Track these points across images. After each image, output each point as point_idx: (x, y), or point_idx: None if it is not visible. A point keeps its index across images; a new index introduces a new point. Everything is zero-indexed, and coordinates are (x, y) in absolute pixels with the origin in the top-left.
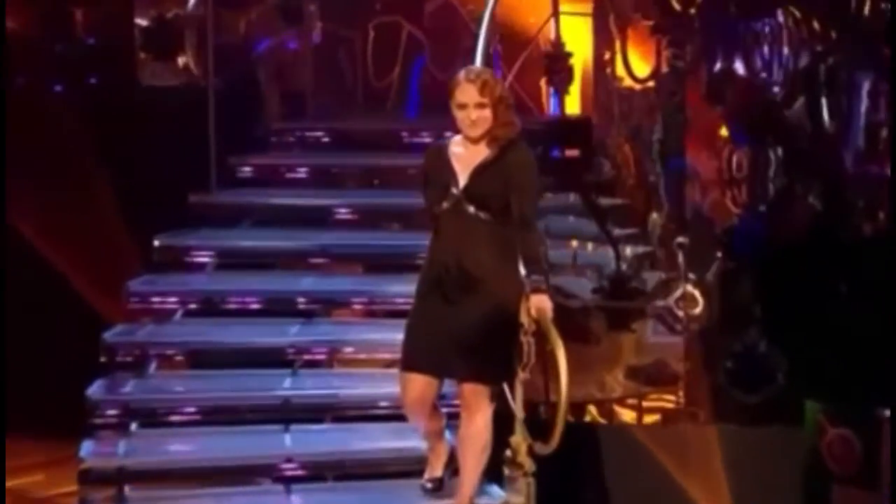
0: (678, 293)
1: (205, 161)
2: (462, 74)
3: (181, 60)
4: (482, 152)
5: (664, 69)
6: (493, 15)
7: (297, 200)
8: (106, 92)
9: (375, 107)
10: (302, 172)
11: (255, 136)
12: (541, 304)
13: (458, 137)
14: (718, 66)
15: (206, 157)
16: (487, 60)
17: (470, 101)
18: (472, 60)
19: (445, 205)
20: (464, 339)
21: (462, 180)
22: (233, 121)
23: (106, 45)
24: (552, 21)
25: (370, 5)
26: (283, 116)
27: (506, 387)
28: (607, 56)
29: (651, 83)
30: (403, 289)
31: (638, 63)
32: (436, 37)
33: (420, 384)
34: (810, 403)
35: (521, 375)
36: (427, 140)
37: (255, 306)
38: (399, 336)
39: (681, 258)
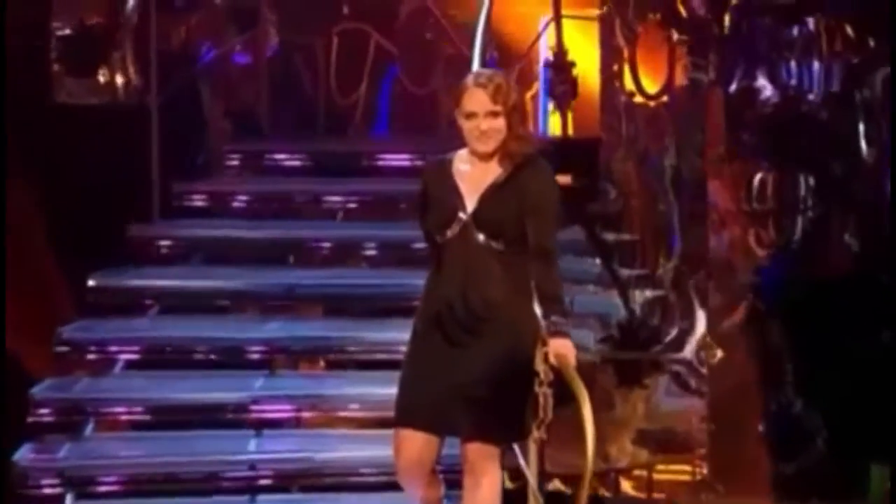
0: (696, 344)
1: (145, 188)
2: (470, 78)
3: (107, 74)
4: (493, 170)
5: (680, 83)
6: (488, 19)
7: (255, 233)
8: (23, 110)
9: (340, 126)
10: (258, 201)
11: (201, 160)
12: (562, 349)
13: (463, 152)
14: (744, 80)
15: (146, 183)
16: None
17: (480, 110)
18: (454, 71)
19: (449, 232)
20: (469, 390)
21: (470, 203)
22: (176, 142)
23: (18, 56)
24: (553, 25)
25: (333, 10)
26: (234, 137)
27: (517, 448)
28: (615, 67)
29: (664, 99)
30: (382, 336)
31: (649, 76)
32: (410, 46)
33: (418, 443)
34: (877, 469)
35: (536, 434)
36: (399, 163)
37: (208, 356)
38: (382, 390)
39: (697, 303)
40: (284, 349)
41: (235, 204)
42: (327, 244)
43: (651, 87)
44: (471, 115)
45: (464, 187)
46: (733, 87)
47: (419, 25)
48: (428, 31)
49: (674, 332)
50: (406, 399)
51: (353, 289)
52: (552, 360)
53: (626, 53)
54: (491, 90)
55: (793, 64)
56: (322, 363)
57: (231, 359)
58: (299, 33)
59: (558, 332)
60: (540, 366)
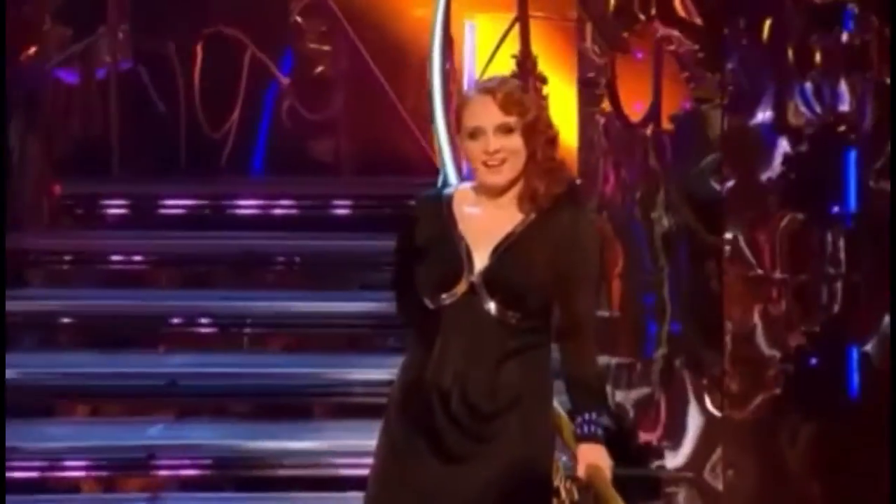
0: (700, 457)
1: None
2: (474, 86)
3: None
4: (511, 215)
5: (678, 108)
6: (447, 21)
7: (113, 303)
8: None
9: (206, 162)
10: (116, 260)
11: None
12: (596, 459)
13: (466, 188)
14: (766, 104)
15: None
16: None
17: (487, 123)
18: (363, 91)
19: (448, 298)
20: None
21: (480, 260)
22: None
23: None
24: (517, 27)
25: (197, 10)
26: (64, 177)
27: None
28: (598, 88)
29: (652, 127)
30: (298, 445)
31: (638, 98)
32: (304, 59)
33: None
34: None
35: None
36: (283, 212)
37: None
38: None
39: (699, 402)
40: (171, 465)
41: (86, 265)
42: (205, 319)
43: (637, 112)
44: (475, 133)
45: (470, 236)
46: (753, 113)
47: (314, 30)
48: (326, 36)
49: (668, 441)
50: None
51: (236, 379)
52: (581, 473)
53: (607, 69)
54: (501, 97)
55: (834, 83)
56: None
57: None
58: (152, 42)
59: (591, 437)
60: (559, 480)
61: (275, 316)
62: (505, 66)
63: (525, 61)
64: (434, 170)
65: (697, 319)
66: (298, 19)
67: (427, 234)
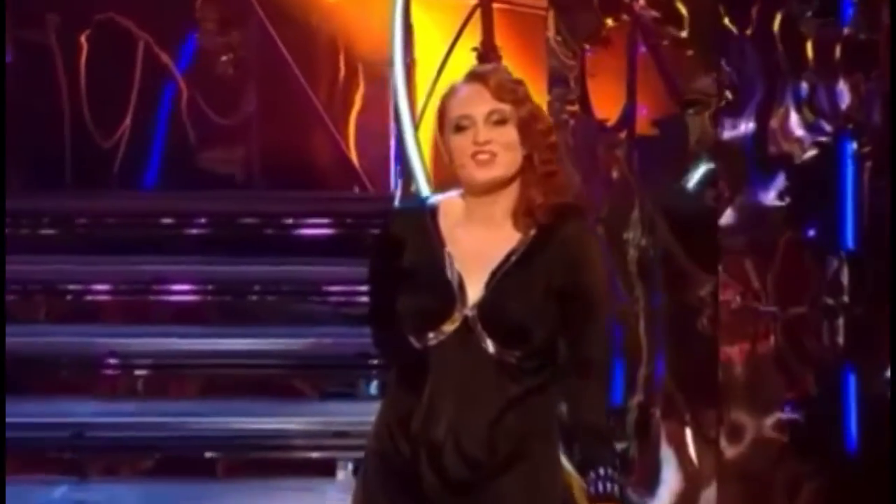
0: None
1: None
2: (460, 78)
3: None
4: (508, 234)
5: (665, 112)
6: (406, 6)
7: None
8: None
9: (94, 174)
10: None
11: None
12: None
13: (451, 197)
14: (768, 108)
15: None
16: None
17: (477, 111)
18: (281, 91)
19: (436, 336)
20: None
21: (474, 289)
22: None
23: None
24: (479, 16)
25: None
26: None
27: None
28: (567, 86)
29: (622, 134)
30: None
31: (614, 100)
32: (208, 53)
33: None
34: None
35: None
36: (187, 232)
37: None
38: None
39: (681, 460)
40: None
41: None
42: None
43: (612, 115)
44: (462, 123)
45: (461, 261)
46: (748, 120)
47: (221, 19)
48: (235, 27)
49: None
50: None
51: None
52: None
53: (578, 65)
54: (494, 83)
55: (847, 84)
56: None
57: None
58: (33, 28)
59: (608, 497)
60: None
61: (178, 355)
62: (465, 60)
63: (487, 55)
64: (356, 180)
65: (682, 361)
66: (202, 6)
67: (409, 255)
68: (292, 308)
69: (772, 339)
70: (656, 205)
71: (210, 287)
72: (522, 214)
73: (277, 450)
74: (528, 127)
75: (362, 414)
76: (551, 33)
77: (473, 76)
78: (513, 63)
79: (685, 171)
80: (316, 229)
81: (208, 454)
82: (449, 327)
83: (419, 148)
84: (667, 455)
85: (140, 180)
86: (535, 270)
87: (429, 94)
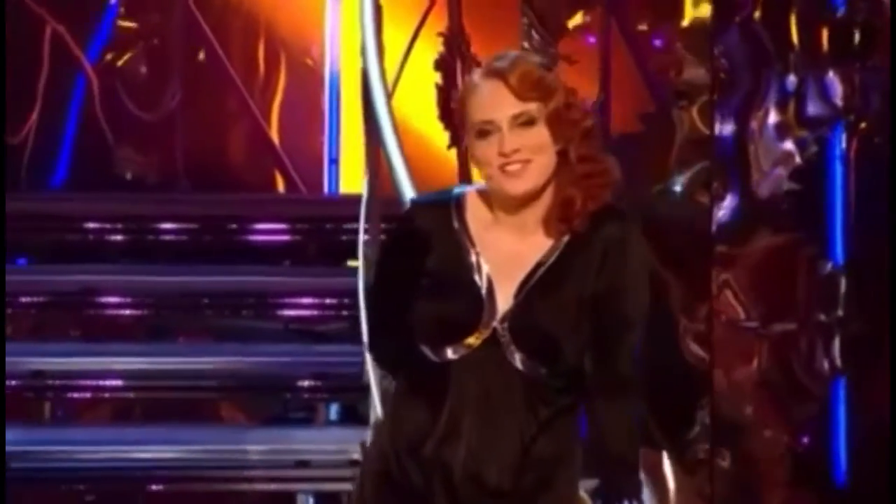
0: None
1: None
2: (480, 69)
3: None
4: (540, 239)
5: (642, 107)
6: None
7: None
8: None
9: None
10: None
11: None
12: None
13: (481, 190)
14: (763, 104)
15: None
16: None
17: (500, 116)
18: (210, 81)
19: (456, 351)
20: None
21: (504, 299)
22: None
23: None
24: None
25: None
26: None
27: None
28: None
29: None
30: None
31: (589, 90)
32: (124, 40)
33: None
34: None
35: None
36: (105, 239)
37: None
38: None
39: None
40: None
41: None
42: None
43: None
44: (485, 129)
45: (492, 266)
46: (751, 112)
47: (145, 2)
48: (156, 9)
49: None
50: None
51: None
52: None
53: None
54: (516, 80)
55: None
56: None
57: None
58: None
59: None
60: None
61: (112, 375)
62: (430, 48)
63: (455, 40)
64: (288, 180)
65: (667, 386)
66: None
67: (433, 256)
68: (240, 323)
69: (756, 359)
70: (640, 209)
71: (145, 300)
72: (557, 219)
73: (230, 482)
74: (559, 120)
75: (323, 441)
76: (524, 18)
77: (492, 72)
78: (483, 48)
79: (670, 172)
80: (264, 235)
81: (153, 487)
82: (474, 340)
83: (398, 143)
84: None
85: (49, 180)
86: (569, 279)
87: (393, 84)
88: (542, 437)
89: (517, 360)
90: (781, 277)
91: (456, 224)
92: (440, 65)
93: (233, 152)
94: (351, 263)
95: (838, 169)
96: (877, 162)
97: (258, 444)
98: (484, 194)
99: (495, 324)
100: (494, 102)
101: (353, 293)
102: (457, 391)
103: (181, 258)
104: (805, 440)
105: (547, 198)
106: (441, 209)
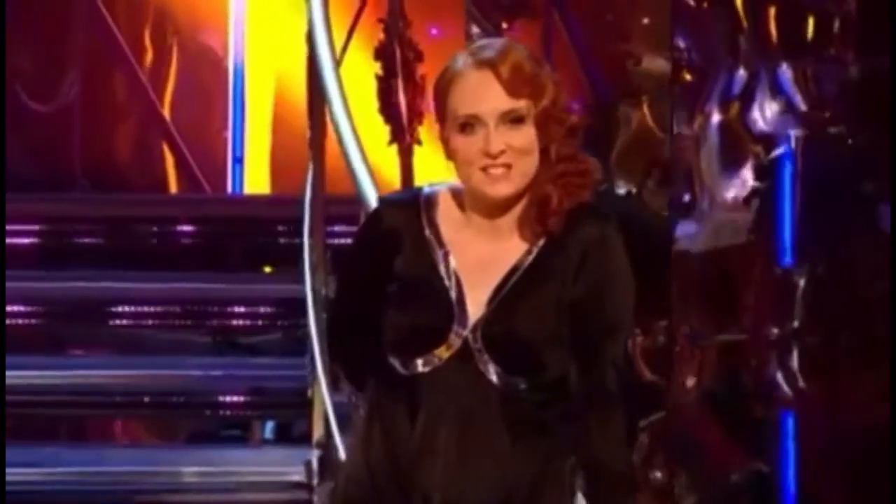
0: None
1: None
2: (465, 55)
3: None
4: (515, 242)
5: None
6: None
7: None
8: None
9: None
10: None
11: None
12: None
13: (452, 189)
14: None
15: None
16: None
17: (488, 111)
18: (107, 70)
19: (427, 363)
20: None
21: (475, 306)
22: None
23: None
24: None
25: None
26: None
27: None
28: None
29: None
30: None
31: None
32: (19, 28)
33: None
34: None
35: None
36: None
37: None
38: None
39: None
40: None
41: None
42: None
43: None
44: (469, 124)
45: (464, 271)
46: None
47: None
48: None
49: None
50: None
51: None
52: None
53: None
54: (507, 72)
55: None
56: None
57: None
58: None
59: None
60: None
61: (19, 391)
62: (369, 35)
63: (395, 27)
64: (191, 179)
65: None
66: None
67: (399, 259)
68: (162, 335)
69: (701, 374)
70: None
71: (54, 308)
72: (533, 220)
73: None
74: (548, 119)
75: (258, 463)
76: (468, 3)
77: (482, 62)
78: (424, 38)
79: (611, 171)
80: (182, 238)
81: None
82: (444, 351)
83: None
84: None
85: None
86: (547, 284)
87: None
88: (525, 455)
89: (492, 372)
90: (729, 285)
91: (425, 225)
92: (380, 53)
93: (134, 149)
94: (268, 269)
95: (787, 168)
96: (834, 159)
97: (191, 465)
98: (456, 193)
99: (466, 333)
100: (483, 96)
101: (282, 302)
102: (429, 408)
103: (83, 263)
104: (754, 464)
105: (524, 200)
106: (410, 209)
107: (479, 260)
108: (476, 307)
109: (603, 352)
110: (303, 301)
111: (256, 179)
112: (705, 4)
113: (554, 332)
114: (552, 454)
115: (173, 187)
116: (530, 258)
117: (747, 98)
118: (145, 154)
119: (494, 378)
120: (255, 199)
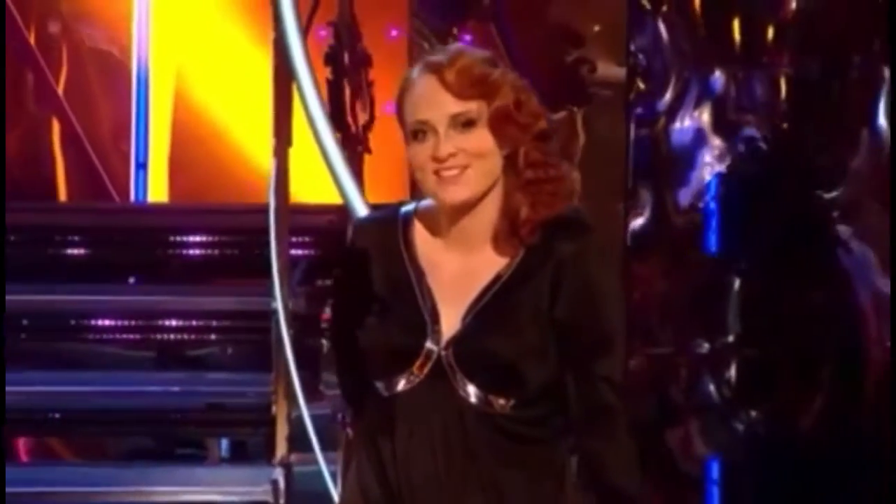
0: None
1: None
2: (419, 63)
3: None
4: (490, 256)
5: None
6: None
7: None
8: None
9: None
10: None
11: None
12: None
13: (424, 211)
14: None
15: None
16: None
17: (435, 116)
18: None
19: (404, 381)
20: None
21: (449, 323)
22: None
23: None
24: None
25: None
26: None
27: None
28: None
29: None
30: None
31: None
32: None
33: None
34: None
35: None
36: None
37: None
38: None
39: None
40: None
41: None
42: None
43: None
44: (421, 131)
45: (439, 288)
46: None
47: None
48: None
49: None
50: None
51: None
52: None
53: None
54: (454, 75)
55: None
56: None
57: None
58: None
59: None
60: None
61: None
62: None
63: (343, 32)
64: (99, 187)
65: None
66: None
67: (378, 279)
68: (111, 349)
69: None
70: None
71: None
72: (506, 233)
73: None
74: (505, 121)
75: (216, 482)
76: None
77: (428, 66)
78: (375, 43)
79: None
80: (99, 248)
81: None
82: (418, 370)
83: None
84: None
85: None
86: (524, 300)
87: None
88: (512, 478)
89: (469, 392)
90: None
91: (402, 243)
92: (330, 58)
93: (40, 153)
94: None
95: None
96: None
97: (147, 485)
98: (435, 209)
99: (440, 350)
100: (429, 100)
101: (223, 315)
102: (406, 429)
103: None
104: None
105: (492, 209)
106: (387, 227)
107: (455, 276)
108: (450, 324)
109: (592, 369)
110: (260, 313)
111: (156, 185)
112: (663, 9)
113: (533, 347)
114: (544, 479)
115: (70, 194)
116: (507, 274)
117: (695, 106)
118: (49, 158)
119: (472, 397)
120: (158, 208)
